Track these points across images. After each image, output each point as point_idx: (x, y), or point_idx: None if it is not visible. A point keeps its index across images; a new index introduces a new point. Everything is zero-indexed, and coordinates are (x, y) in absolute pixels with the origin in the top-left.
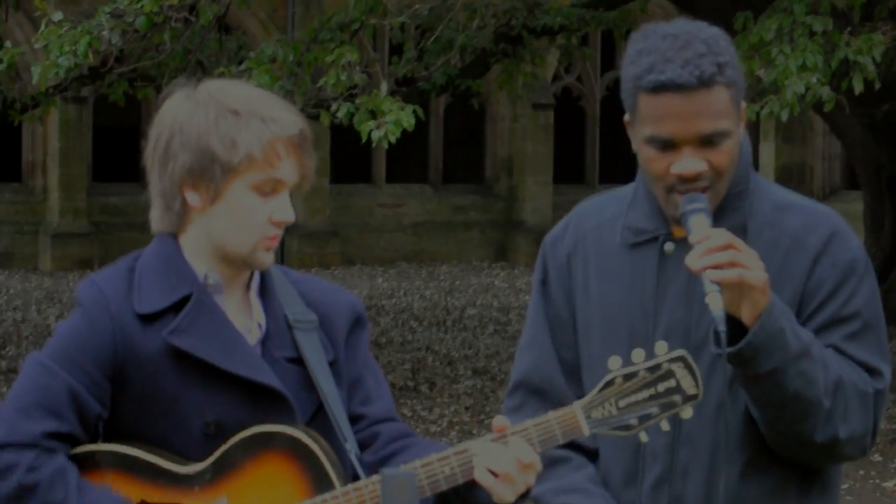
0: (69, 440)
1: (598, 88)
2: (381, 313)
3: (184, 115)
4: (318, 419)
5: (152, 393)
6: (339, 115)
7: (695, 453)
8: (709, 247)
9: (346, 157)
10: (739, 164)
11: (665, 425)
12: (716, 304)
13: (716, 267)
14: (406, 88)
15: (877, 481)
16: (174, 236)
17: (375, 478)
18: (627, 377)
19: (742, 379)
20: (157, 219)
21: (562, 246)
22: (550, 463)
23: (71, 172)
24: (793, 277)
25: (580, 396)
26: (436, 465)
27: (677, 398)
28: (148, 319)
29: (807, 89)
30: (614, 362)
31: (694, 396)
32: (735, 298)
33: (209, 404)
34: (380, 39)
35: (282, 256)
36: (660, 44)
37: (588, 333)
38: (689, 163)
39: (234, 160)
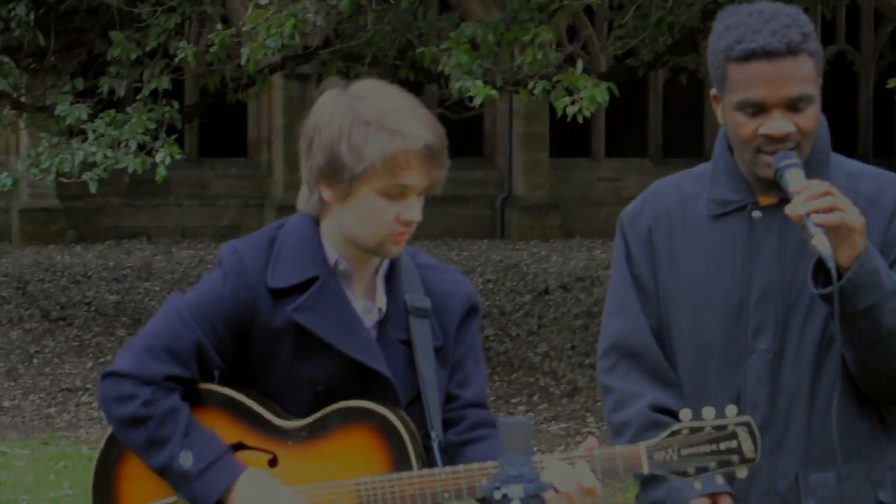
0: (187, 384)
1: None
2: (596, 283)
3: (326, 117)
4: (418, 401)
5: (271, 358)
6: (536, 91)
7: (794, 400)
8: (810, 194)
9: (565, 131)
10: (820, 134)
11: (720, 479)
12: (823, 244)
13: (818, 211)
14: (616, 63)
15: None
16: (315, 219)
17: (448, 469)
18: (693, 430)
19: (839, 318)
20: (303, 200)
21: (641, 222)
22: (655, 425)
23: (293, 148)
24: (872, 234)
25: (665, 358)
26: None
27: (735, 458)
28: (278, 294)
29: None
30: (685, 414)
31: (751, 460)
32: (835, 242)
33: (322, 376)
34: (597, 15)
35: (502, 229)
36: (746, 18)
37: (675, 303)
38: (778, 124)
39: (358, 169)
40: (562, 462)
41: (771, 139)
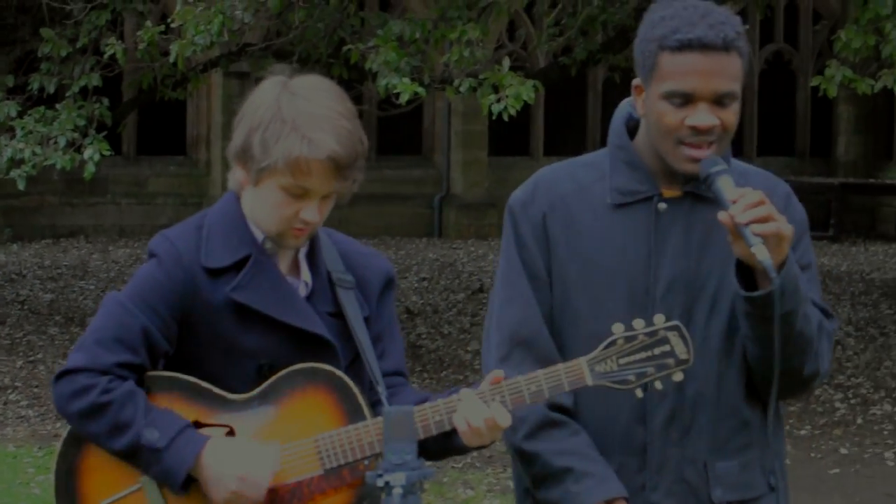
0: (139, 371)
1: (757, 62)
2: None
3: (255, 104)
4: (354, 367)
5: (214, 337)
6: (462, 89)
7: (701, 389)
8: (747, 203)
9: (504, 130)
10: None
11: (659, 385)
12: (763, 254)
13: (757, 221)
14: (554, 61)
15: None
16: (238, 198)
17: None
18: (628, 339)
19: (755, 320)
20: (230, 176)
21: (534, 208)
22: (551, 423)
23: None
24: None
25: (557, 347)
26: (428, 412)
27: (671, 361)
28: (213, 273)
29: None
30: (617, 327)
31: (685, 361)
32: (768, 248)
33: (264, 349)
34: (536, 13)
35: (440, 228)
36: (682, 12)
37: (573, 289)
38: (705, 116)
39: (262, 163)
40: (479, 398)
41: (696, 131)
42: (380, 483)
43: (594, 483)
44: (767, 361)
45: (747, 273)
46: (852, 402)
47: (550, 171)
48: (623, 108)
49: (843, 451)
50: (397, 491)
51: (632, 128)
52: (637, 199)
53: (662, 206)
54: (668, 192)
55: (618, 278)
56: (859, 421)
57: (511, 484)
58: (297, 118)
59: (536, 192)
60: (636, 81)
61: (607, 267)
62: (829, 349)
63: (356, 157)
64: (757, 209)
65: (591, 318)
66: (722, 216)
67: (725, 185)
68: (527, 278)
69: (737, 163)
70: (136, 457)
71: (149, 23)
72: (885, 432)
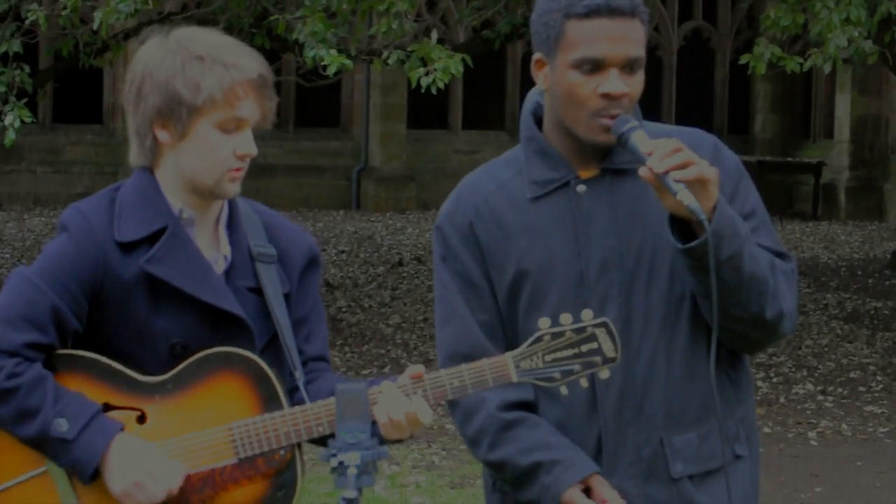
0: (48, 350)
1: (676, 38)
2: None
3: (155, 61)
4: (272, 346)
5: (126, 314)
6: (390, 61)
7: (651, 365)
8: (663, 152)
9: (423, 103)
10: None
11: (584, 383)
12: (689, 198)
13: (676, 168)
14: (473, 35)
15: None
16: (150, 171)
17: (320, 402)
18: (555, 336)
19: (701, 273)
20: (133, 154)
21: (459, 217)
22: (508, 426)
23: None
24: None
25: (511, 349)
26: None
27: (597, 359)
28: (126, 248)
29: (849, 42)
30: (544, 322)
31: (612, 359)
32: (693, 193)
33: (177, 327)
34: None
35: (357, 200)
36: None
37: (512, 293)
38: (617, 83)
39: (198, 101)
40: (401, 391)
41: (609, 98)
42: (333, 463)
43: (563, 469)
44: (724, 312)
45: (684, 227)
46: (774, 380)
47: (471, 177)
48: (531, 98)
49: (767, 430)
50: (352, 471)
51: (540, 118)
52: (555, 187)
53: (581, 187)
54: (585, 173)
55: (551, 268)
56: (782, 400)
57: (436, 460)
58: (211, 51)
59: (460, 200)
60: (537, 56)
61: (539, 262)
62: (789, 288)
63: (272, 74)
64: (674, 156)
65: (535, 315)
66: (642, 171)
67: (640, 140)
68: (458, 292)
69: (657, 125)
70: (44, 446)
71: None
72: (808, 412)
